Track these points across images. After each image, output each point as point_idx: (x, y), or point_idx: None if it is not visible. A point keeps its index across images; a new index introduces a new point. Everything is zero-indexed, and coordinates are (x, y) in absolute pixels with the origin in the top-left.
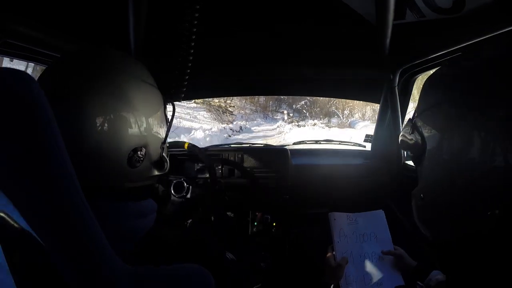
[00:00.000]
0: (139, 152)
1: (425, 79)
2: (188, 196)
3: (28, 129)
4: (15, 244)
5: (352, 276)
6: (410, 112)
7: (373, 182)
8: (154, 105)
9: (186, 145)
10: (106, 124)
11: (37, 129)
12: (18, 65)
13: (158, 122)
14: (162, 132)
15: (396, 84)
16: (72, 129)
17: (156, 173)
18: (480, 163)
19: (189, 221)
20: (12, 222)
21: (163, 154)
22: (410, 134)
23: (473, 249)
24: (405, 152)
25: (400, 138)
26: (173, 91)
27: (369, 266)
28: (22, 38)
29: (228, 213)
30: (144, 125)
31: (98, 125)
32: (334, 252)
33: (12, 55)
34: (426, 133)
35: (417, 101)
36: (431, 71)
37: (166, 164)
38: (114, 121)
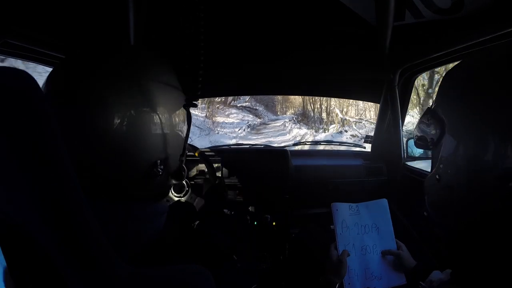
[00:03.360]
0: (158, 167)
1: (424, 79)
2: (188, 195)
3: (26, 128)
4: (15, 243)
5: (353, 268)
6: (410, 112)
7: (373, 182)
8: (176, 111)
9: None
10: (125, 129)
11: (35, 127)
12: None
13: (179, 129)
14: (181, 142)
15: (396, 84)
16: (91, 133)
17: (173, 182)
18: (494, 155)
19: (196, 222)
20: (12, 222)
21: (182, 165)
22: (429, 120)
23: (483, 240)
24: (405, 153)
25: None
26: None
27: (370, 259)
28: (22, 38)
29: (228, 213)
30: (165, 134)
31: (115, 130)
32: (336, 245)
33: (12, 55)
34: (446, 120)
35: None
36: (431, 71)
37: (184, 173)
38: (134, 128)
